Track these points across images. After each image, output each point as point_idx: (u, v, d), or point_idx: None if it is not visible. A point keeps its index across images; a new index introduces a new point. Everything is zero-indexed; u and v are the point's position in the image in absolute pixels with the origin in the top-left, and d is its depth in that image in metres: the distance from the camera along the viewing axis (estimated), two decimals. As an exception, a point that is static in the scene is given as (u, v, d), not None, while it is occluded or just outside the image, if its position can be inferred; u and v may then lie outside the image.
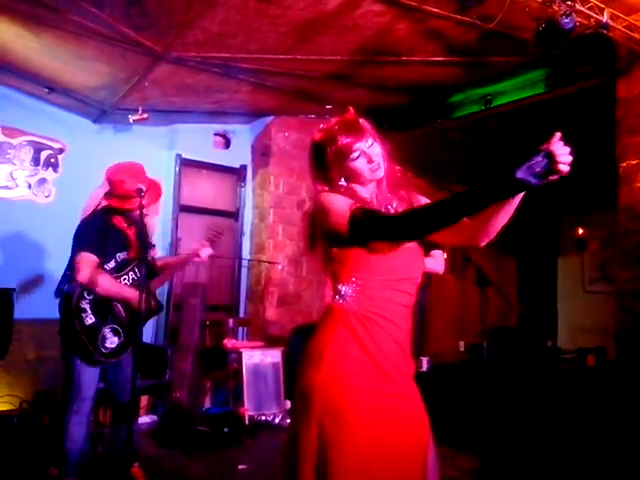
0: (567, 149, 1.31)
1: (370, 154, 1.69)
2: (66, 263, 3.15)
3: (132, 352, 3.13)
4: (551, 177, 1.31)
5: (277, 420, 4.81)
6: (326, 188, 1.73)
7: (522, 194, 1.44)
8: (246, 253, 5.99)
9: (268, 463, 3.66)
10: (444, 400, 4.44)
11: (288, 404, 4.88)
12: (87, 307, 3.06)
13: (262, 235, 5.89)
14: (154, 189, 3.25)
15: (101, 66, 4.14)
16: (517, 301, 7.64)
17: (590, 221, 7.47)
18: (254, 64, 4.24)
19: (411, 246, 1.71)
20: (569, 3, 2.96)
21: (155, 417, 4.86)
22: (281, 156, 5.91)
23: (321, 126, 1.78)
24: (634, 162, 3.68)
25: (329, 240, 1.69)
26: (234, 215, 6.06)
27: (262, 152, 5.97)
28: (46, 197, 4.92)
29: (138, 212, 3.05)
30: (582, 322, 7.26)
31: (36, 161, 4.88)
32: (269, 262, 5.69)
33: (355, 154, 1.68)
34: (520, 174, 1.30)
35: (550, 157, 1.30)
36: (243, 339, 5.60)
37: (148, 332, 5.02)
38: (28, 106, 4.83)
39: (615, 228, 3.87)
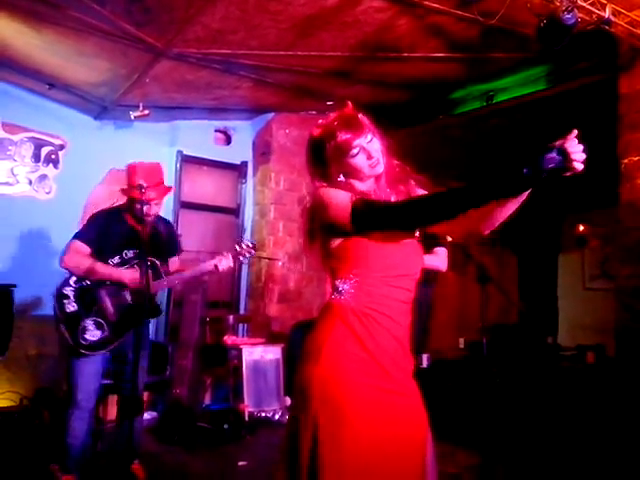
0: (581, 147, 1.31)
1: (369, 150, 1.68)
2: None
3: (141, 349, 3.03)
4: (564, 174, 1.31)
5: (277, 417, 4.81)
6: (324, 184, 1.72)
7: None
8: (246, 250, 5.98)
9: (268, 459, 3.66)
10: (444, 397, 4.45)
11: (288, 401, 4.89)
12: (70, 294, 3.06)
13: (263, 232, 5.89)
14: (161, 190, 3.21)
15: (102, 62, 4.13)
16: (517, 298, 7.64)
17: (591, 218, 7.46)
18: (255, 60, 4.23)
19: (410, 242, 1.71)
20: (571, -1, 2.95)
21: (155, 413, 4.87)
22: (282, 153, 5.91)
23: (320, 121, 1.76)
24: (636, 158, 3.67)
25: (329, 234, 1.68)
26: (235, 212, 6.06)
27: (262, 151, 5.97)
28: (47, 193, 4.92)
29: (139, 207, 3.03)
30: (582, 319, 7.25)
31: (37, 157, 4.88)
32: (270, 258, 5.69)
33: (354, 150, 1.67)
34: (532, 170, 1.29)
35: (564, 154, 1.30)
36: (243, 336, 5.61)
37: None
38: (29, 102, 4.83)
39: (616, 225, 3.87)
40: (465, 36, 3.84)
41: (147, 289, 2.91)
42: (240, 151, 6.05)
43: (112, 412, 4.23)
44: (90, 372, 3.05)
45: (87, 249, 3.07)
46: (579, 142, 1.32)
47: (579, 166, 1.31)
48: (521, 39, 3.72)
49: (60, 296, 3.06)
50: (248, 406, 4.71)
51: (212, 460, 3.89)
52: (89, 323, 3.03)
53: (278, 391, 5.00)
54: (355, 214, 1.59)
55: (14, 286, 4.01)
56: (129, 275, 3.06)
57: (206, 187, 5.87)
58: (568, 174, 1.32)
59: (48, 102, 4.90)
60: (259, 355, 4.97)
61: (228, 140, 6.06)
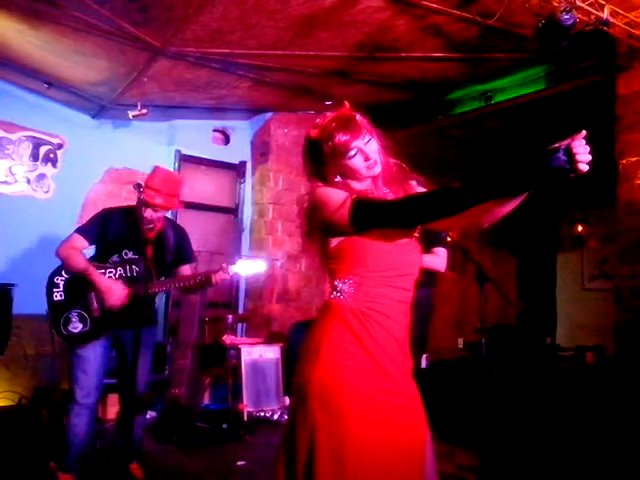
0: (587, 148, 1.28)
1: (367, 152, 1.67)
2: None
3: (143, 349, 3.02)
4: (569, 175, 1.28)
5: (276, 416, 4.81)
6: (321, 184, 1.71)
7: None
8: (245, 249, 5.98)
9: (267, 459, 3.65)
10: (443, 397, 4.45)
11: (287, 400, 4.89)
12: (60, 284, 3.09)
13: (261, 231, 5.89)
14: (169, 201, 3.15)
15: (100, 61, 4.13)
16: (516, 298, 7.65)
17: (589, 218, 7.47)
18: (253, 60, 4.22)
19: (409, 242, 1.70)
20: (569, -1, 2.95)
21: (154, 413, 4.86)
22: (280, 152, 5.91)
23: (317, 121, 1.74)
24: (634, 159, 3.67)
25: (327, 234, 1.67)
26: (233, 211, 6.06)
27: (261, 152, 5.97)
28: (45, 192, 4.91)
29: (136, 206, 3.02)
30: (581, 319, 7.27)
31: (35, 156, 4.87)
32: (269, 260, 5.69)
33: (352, 152, 1.66)
34: (538, 169, 1.28)
35: (569, 154, 1.27)
36: (242, 335, 5.61)
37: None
38: (27, 101, 4.82)
39: (614, 225, 3.87)
40: (464, 36, 3.84)
41: (145, 294, 2.92)
42: (238, 151, 6.05)
43: (112, 411, 4.24)
44: (89, 368, 3.04)
45: (84, 243, 3.08)
46: (586, 143, 1.29)
47: (584, 167, 1.28)
48: (519, 39, 3.72)
49: (51, 284, 3.10)
50: (247, 406, 4.71)
51: (211, 460, 3.89)
52: (73, 315, 3.05)
53: (277, 391, 5.00)
54: (354, 213, 1.57)
55: (13, 285, 4.00)
56: (104, 284, 2.99)
57: (204, 187, 5.86)
58: (572, 175, 1.29)
59: (46, 101, 4.90)
60: (258, 355, 4.97)
61: (226, 140, 6.06)
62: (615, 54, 3.79)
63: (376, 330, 1.60)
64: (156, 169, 3.24)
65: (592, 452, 3.73)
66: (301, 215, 1.74)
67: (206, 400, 5.22)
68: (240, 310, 5.95)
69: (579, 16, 3.03)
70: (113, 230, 3.13)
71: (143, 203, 2.97)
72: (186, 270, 3.33)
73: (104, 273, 3.07)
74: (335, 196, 1.63)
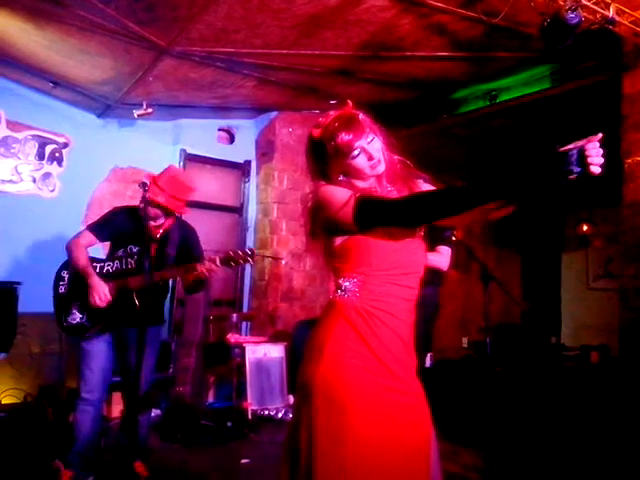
0: (601, 151, 1.26)
1: (370, 151, 1.66)
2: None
3: (147, 347, 2.97)
4: (580, 177, 1.25)
5: (280, 415, 4.82)
6: (324, 183, 1.70)
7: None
8: (250, 248, 5.99)
9: (271, 457, 3.66)
10: (447, 396, 4.45)
11: (291, 399, 4.89)
12: (66, 277, 3.18)
13: (266, 230, 5.90)
14: (172, 203, 3.16)
15: (105, 61, 4.14)
16: (521, 297, 7.63)
17: (594, 218, 7.45)
18: (258, 59, 4.23)
19: (413, 240, 1.69)
20: (575, -2, 2.94)
21: (158, 411, 4.88)
22: (285, 151, 5.91)
23: (320, 120, 1.73)
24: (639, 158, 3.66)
25: (331, 233, 1.67)
26: (238, 210, 6.07)
27: (265, 150, 5.97)
28: (51, 191, 4.93)
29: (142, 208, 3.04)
30: (586, 319, 7.25)
31: (41, 155, 4.89)
32: (273, 257, 5.69)
33: (355, 152, 1.65)
34: (549, 172, 1.26)
35: (582, 157, 1.24)
36: (246, 334, 5.62)
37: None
38: (33, 100, 4.84)
39: (619, 225, 3.86)
40: (468, 35, 3.83)
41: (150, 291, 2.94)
42: (243, 150, 6.06)
43: (117, 409, 4.25)
44: (94, 364, 3.07)
45: (93, 240, 3.15)
46: (600, 146, 1.26)
47: (596, 170, 1.25)
48: (525, 38, 3.71)
49: (58, 277, 3.20)
50: (251, 404, 4.72)
51: (215, 458, 3.90)
52: (74, 306, 3.11)
53: (281, 389, 5.00)
54: (358, 211, 1.57)
55: (18, 284, 4.02)
56: (95, 283, 3.01)
57: (209, 186, 5.87)
58: (582, 178, 1.26)
59: (52, 100, 4.91)
60: (262, 353, 4.98)
61: (231, 139, 6.07)
62: (621, 53, 3.77)
63: (380, 329, 1.60)
64: (168, 168, 3.28)
65: (597, 451, 3.72)
66: (305, 214, 1.73)
67: (210, 398, 5.23)
68: (245, 309, 5.96)
69: (585, 15, 3.02)
70: (120, 226, 3.19)
71: (146, 200, 2.99)
72: None
73: (103, 266, 3.15)
74: (339, 195, 1.62)
